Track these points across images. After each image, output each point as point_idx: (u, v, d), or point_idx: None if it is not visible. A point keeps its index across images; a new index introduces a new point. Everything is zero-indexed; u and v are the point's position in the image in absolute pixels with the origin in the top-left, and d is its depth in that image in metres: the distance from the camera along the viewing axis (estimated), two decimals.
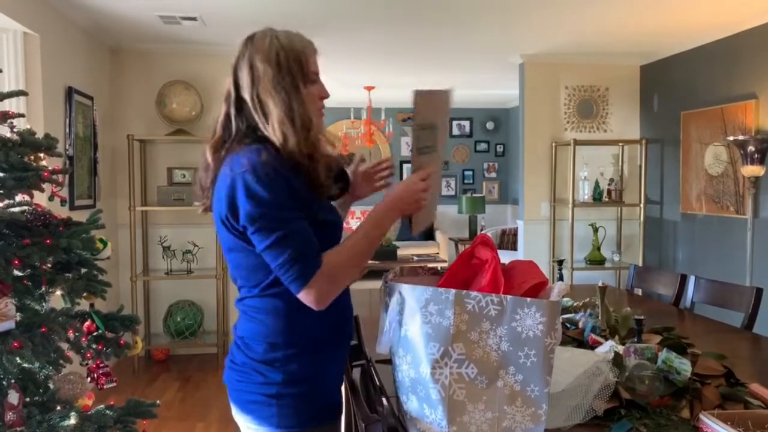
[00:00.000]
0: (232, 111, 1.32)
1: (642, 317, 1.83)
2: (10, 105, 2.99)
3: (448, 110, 1.49)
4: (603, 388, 1.45)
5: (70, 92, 3.72)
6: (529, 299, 1.16)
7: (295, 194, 1.24)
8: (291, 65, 1.29)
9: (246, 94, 1.29)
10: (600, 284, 2.10)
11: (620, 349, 1.69)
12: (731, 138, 3.86)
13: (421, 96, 1.30)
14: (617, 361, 1.58)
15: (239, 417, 1.38)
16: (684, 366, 1.51)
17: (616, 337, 1.94)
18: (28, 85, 3.27)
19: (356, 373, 1.54)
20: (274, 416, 1.32)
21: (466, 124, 8.71)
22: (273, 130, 1.26)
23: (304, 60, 1.31)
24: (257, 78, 1.28)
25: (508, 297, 1.16)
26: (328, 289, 1.26)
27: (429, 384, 1.20)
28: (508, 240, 7.59)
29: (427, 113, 1.35)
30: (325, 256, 1.26)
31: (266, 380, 1.32)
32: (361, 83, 6.45)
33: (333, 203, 1.45)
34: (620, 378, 1.51)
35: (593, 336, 1.92)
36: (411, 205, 1.34)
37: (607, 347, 1.77)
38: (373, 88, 6.66)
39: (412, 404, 1.26)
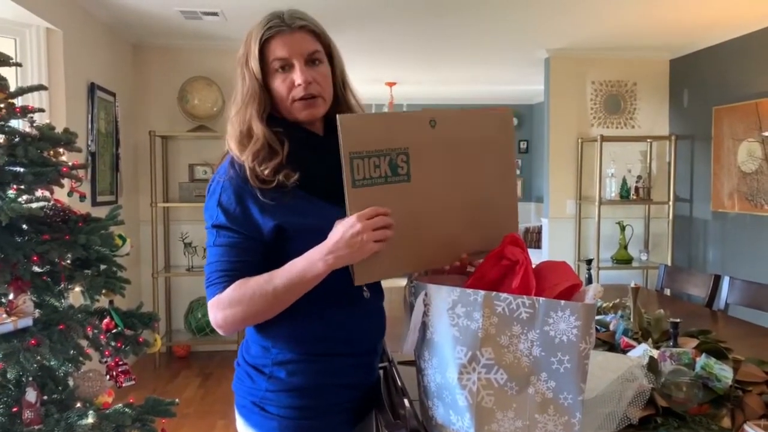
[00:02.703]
0: None
1: (678, 320, 1.75)
2: (32, 100, 3.00)
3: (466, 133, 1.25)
4: (638, 394, 1.37)
5: (92, 88, 3.73)
6: (563, 302, 1.09)
7: (235, 211, 1.17)
8: (244, 74, 1.32)
9: None
10: (632, 285, 2.02)
11: (654, 353, 1.61)
12: (766, 133, 3.73)
13: (348, 121, 1.11)
14: (652, 366, 1.50)
15: (237, 420, 1.34)
16: (725, 372, 1.43)
17: (650, 340, 1.86)
18: (51, 80, 3.27)
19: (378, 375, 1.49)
20: (257, 427, 1.26)
21: None
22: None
23: (252, 60, 1.27)
24: None
25: (541, 299, 1.10)
26: (221, 318, 1.15)
27: (456, 390, 1.14)
28: (532, 238, 7.48)
29: (368, 138, 1.12)
30: (232, 286, 1.14)
31: (254, 385, 1.28)
32: (382, 79, 6.39)
33: None
34: (656, 384, 1.44)
35: (625, 339, 1.84)
36: (344, 250, 1.09)
37: (641, 351, 1.69)
38: (394, 84, 6.59)
39: (437, 410, 1.20)
